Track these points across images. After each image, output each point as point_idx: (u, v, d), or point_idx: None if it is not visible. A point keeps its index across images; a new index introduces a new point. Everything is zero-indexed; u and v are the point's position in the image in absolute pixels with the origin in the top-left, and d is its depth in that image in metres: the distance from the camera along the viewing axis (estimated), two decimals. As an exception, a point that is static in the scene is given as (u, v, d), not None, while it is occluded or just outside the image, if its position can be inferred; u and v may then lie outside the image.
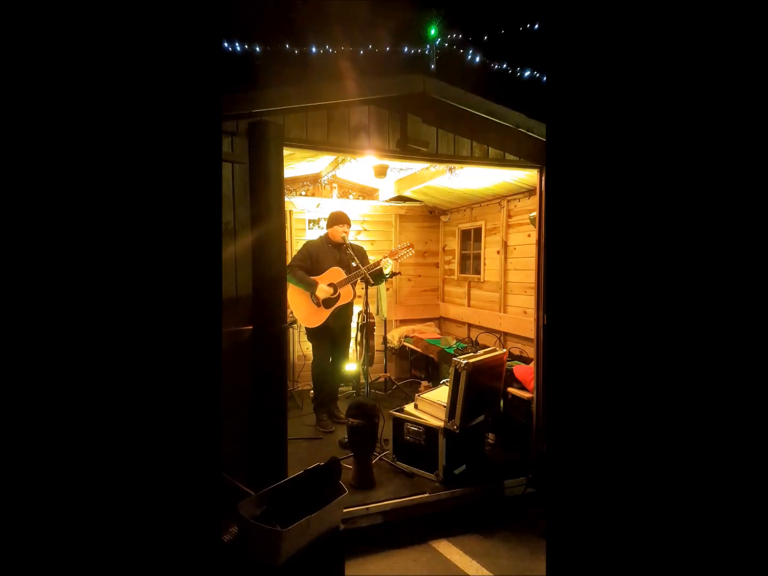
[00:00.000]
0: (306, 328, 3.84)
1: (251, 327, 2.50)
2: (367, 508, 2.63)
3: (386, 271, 3.77)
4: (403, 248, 3.82)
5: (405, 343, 5.33)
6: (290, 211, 4.99)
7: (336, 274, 3.69)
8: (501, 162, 3.16)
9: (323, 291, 3.60)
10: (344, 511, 2.31)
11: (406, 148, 2.86)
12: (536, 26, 3.95)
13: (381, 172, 3.95)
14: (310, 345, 3.96)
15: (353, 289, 3.74)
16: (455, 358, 2.84)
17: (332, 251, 3.79)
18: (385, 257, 3.71)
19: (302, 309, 3.71)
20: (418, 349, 5.02)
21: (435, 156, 2.99)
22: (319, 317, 3.67)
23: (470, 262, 5.24)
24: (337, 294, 3.66)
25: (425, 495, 2.77)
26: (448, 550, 2.61)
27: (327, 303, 3.66)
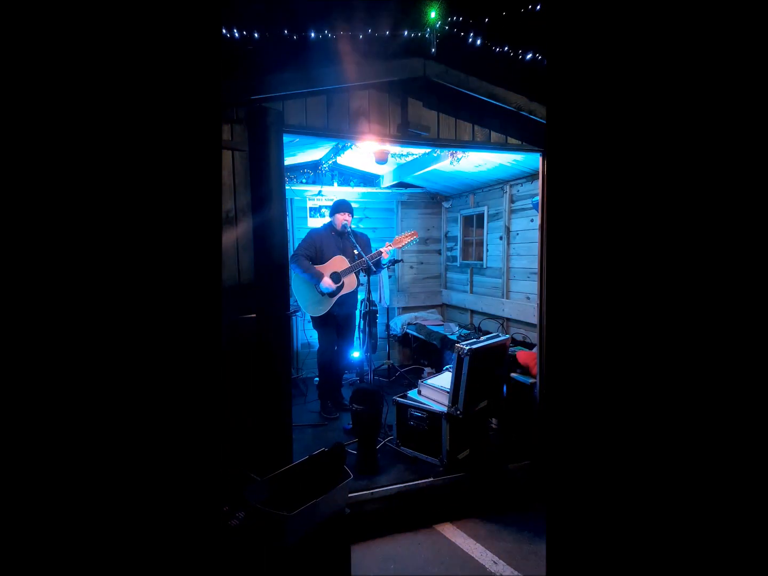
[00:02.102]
0: (311, 317, 3.86)
1: (254, 315, 2.51)
2: (372, 493, 2.66)
3: (384, 262, 3.78)
4: (406, 236, 3.83)
5: (408, 331, 5.35)
6: (291, 199, 4.99)
7: (340, 262, 3.71)
8: (503, 146, 3.14)
9: (327, 284, 3.61)
10: (349, 495, 2.34)
11: (407, 132, 2.85)
12: (538, 7, 3.90)
13: (382, 157, 3.94)
14: (313, 333, 3.99)
15: (357, 278, 3.76)
16: (458, 345, 2.86)
17: (336, 239, 3.80)
18: (388, 246, 3.72)
19: (306, 298, 3.74)
20: (421, 336, 5.04)
21: (436, 140, 2.98)
22: (323, 306, 3.69)
23: (473, 249, 5.24)
24: (341, 283, 3.68)
25: (429, 479, 2.80)
26: (452, 533, 2.64)
27: (331, 292, 3.68)
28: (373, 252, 3.75)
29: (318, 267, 3.68)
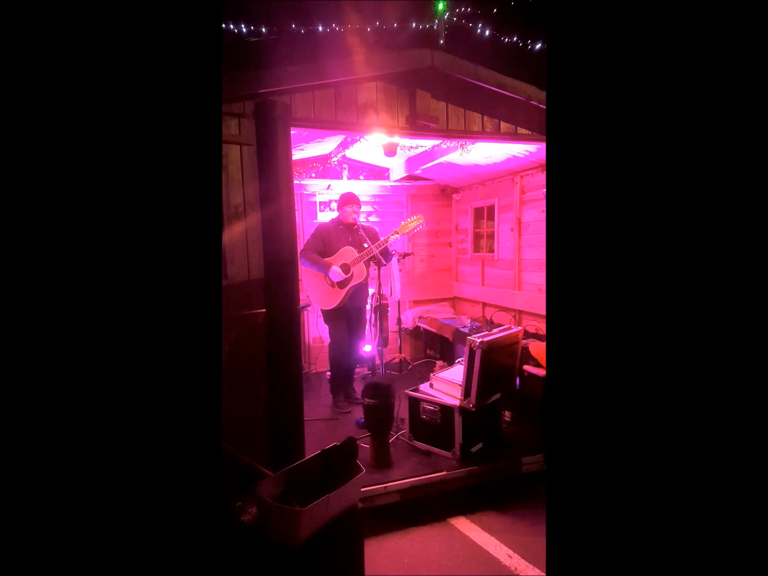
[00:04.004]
0: (322, 311, 3.84)
1: (264, 310, 2.49)
2: (385, 487, 2.64)
3: (392, 250, 3.72)
4: (412, 221, 3.76)
5: (419, 324, 5.31)
6: (301, 194, 4.96)
7: (348, 253, 3.68)
8: (513, 136, 3.09)
9: (336, 273, 3.58)
10: (362, 489, 2.32)
11: (416, 124, 2.80)
12: (547, -5, 3.80)
13: (391, 150, 3.89)
14: (324, 328, 3.96)
15: (366, 268, 3.72)
16: (470, 337, 2.81)
17: (344, 233, 3.77)
18: (395, 232, 3.67)
19: (318, 291, 3.72)
20: (433, 329, 5.00)
21: (445, 131, 2.93)
22: (334, 298, 3.67)
23: (483, 241, 5.18)
24: (350, 273, 3.65)
25: (442, 473, 2.77)
26: (466, 527, 2.61)
27: (341, 283, 3.65)
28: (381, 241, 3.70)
29: (326, 259, 3.65)
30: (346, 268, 3.63)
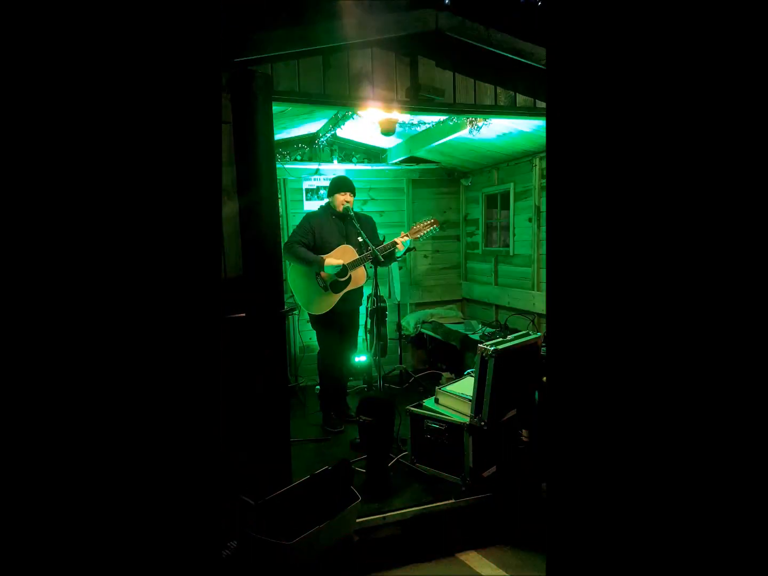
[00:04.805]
0: (309, 315, 3.83)
1: (243, 314, 2.50)
2: (384, 517, 2.66)
3: (399, 254, 3.70)
4: (425, 225, 3.77)
5: (422, 330, 5.34)
6: (284, 180, 4.98)
7: (347, 253, 3.65)
8: (531, 111, 3.10)
9: (331, 263, 3.52)
10: (358, 520, 2.34)
11: (418, 97, 2.82)
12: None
13: (388, 127, 3.90)
14: (312, 334, 3.96)
15: (366, 270, 3.71)
16: (481, 345, 2.84)
17: (337, 223, 3.75)
18: (404, 236, 3.66)
19: (306, 293, 3.66)
20: (438, 336, 5.02)
21: (452, 106, 2.95)
22: (326, 303, 3.64)
23: (497, 233, 5.21)
24: (347, 276, 3.63)
25: (450, 501, 2.80)
26: (478, 563, 2.64)
27: (335, 287, 3.62)
28: (384, 241, 3.67)
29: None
30: (344, 271, 3.60)
